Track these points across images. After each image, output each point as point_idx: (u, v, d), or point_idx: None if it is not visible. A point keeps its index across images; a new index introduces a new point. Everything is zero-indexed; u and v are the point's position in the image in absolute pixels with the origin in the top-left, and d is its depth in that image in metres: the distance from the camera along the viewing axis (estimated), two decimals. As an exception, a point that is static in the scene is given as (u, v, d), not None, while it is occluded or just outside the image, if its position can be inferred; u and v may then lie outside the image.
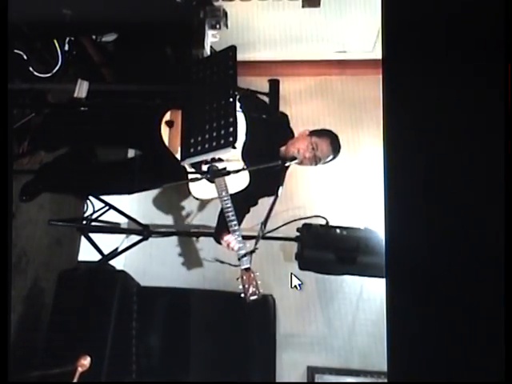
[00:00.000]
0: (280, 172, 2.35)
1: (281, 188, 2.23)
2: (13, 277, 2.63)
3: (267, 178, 2.25)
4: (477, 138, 1.06)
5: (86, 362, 2.05)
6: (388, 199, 1.23)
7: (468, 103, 1.08)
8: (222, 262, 2.26)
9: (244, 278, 2.05)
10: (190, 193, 2.24)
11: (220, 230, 2.29)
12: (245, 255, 2.08)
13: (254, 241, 2.18)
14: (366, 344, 3.31)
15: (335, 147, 2.36)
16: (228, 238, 2.20)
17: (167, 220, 3.64)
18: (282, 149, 2.40)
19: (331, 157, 2.37)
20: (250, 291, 2.03)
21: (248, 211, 2.44)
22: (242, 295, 2.05)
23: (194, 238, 3.36)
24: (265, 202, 2.43)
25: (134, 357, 2.94)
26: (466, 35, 1.08)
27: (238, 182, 2.20)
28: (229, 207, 2.12)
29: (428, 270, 1.14)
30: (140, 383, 3.01)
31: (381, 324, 3.24)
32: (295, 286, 2.65)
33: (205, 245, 3.36)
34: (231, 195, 2.15)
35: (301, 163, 2.31)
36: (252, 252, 2.11)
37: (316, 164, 2.35)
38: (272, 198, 2.20)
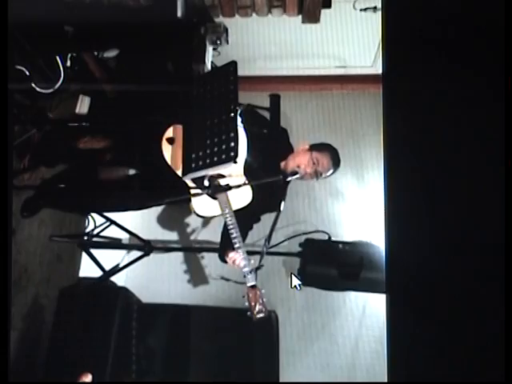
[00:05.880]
0: (281, 187, 2.36)
1: (283, 203, 2.22)
2: (13, 294, 2.61)
3: (269, 193, 2.26)
4: (477, 153, 1.06)
5: (87, 379, 2.03)
6: (388, 213, 1.22)
7: (468, 117, 1.08)
8: (227, 280, 2.21)
9: (250, 295, 1.99)
10: (193, 211, 2.22)
11: (224, 249, 2.27)
12: (250, 272, 2.04)
13: (257, 257, 2.15)
14: (368, 361, 3.27)
15: (335, 161, 2.38)
16: (233, 255, 2.16)
17: (169, 235, 3.63)
18: (282, 163, 2.40)
19: (331, 171, 2.38)
20: (257, 309, 1.97)
21: (251, 228, 2.42)
22: (249, 313, 1.99)
23: (200, 254, 3.33)
24: (266, 217, 2.43)
25: (134, 374, 2.91)
26: (466, 50, 1.08)
27: (241, 198, 2.19)
28: (232, 224, 2.08)
29: (428, 284, 1.13)
30: (140, 383, 2.99)
31: (384, 341, 3.20)
32: (295, 286, 2.61)
33: (207, 261, 3.34)
34: (235, 212, 2.13)
35: (302, 178, 2.31)
36: (258, 268, 2.07)
37: (317, 179, 2.35)
38: (274, 213, 2.19)
